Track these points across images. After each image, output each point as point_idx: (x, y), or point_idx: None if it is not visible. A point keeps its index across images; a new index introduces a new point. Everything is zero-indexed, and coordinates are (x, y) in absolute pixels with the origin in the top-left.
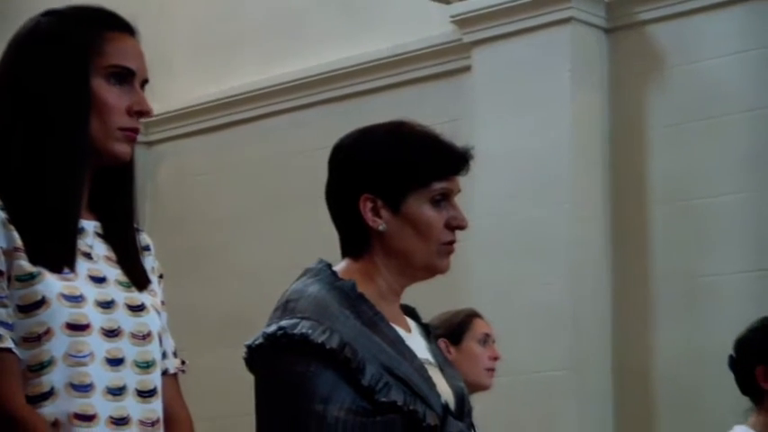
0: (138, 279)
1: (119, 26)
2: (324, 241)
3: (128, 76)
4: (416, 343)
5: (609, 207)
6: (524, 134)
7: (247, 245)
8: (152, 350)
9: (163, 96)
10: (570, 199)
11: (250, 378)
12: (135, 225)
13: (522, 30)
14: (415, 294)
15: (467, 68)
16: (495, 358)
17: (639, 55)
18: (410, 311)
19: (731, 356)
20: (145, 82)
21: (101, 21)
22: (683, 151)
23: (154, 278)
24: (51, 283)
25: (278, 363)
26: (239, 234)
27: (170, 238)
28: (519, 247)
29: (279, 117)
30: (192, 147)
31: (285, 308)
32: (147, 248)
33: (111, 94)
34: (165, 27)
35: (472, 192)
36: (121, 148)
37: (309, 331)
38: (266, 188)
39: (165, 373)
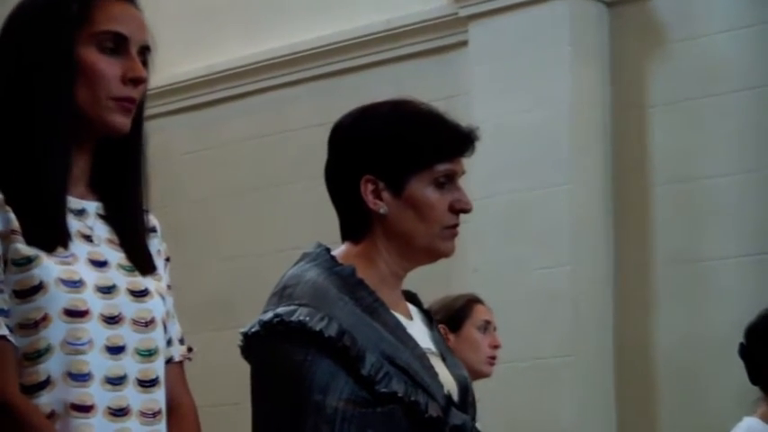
0: (142, 263)
1: None
2: (312, 223)
3: (122, 43)
4: (418, 330)
5: (609, 187)
6: (522, 112)
7: (233, 226)
8: (155, 338)
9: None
10: (570, 179)
11: (236, 365)
12: (143, 206)
13: (520, 3)
14: (408, 279)
15: (463, 43)
16: (496, 346)
17: (641, 29)
18: (411, 297)
19: (742, 344)
20: (145, 49)
21: None
22: (686, 129)
23: (160, 261)
24: (49, 268)
25: (274, 351)
26: (225, 215)
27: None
28: (517, 229)
29: (267, 94)
30: (176, 124)
31: (282, 294)
32: (153, 230)
33: (102, 62)
34: (149, 1)
35: (468, 171)
36: (116, 119)
37: (307, 318)
38: (253, 168)
39: (170, 360)
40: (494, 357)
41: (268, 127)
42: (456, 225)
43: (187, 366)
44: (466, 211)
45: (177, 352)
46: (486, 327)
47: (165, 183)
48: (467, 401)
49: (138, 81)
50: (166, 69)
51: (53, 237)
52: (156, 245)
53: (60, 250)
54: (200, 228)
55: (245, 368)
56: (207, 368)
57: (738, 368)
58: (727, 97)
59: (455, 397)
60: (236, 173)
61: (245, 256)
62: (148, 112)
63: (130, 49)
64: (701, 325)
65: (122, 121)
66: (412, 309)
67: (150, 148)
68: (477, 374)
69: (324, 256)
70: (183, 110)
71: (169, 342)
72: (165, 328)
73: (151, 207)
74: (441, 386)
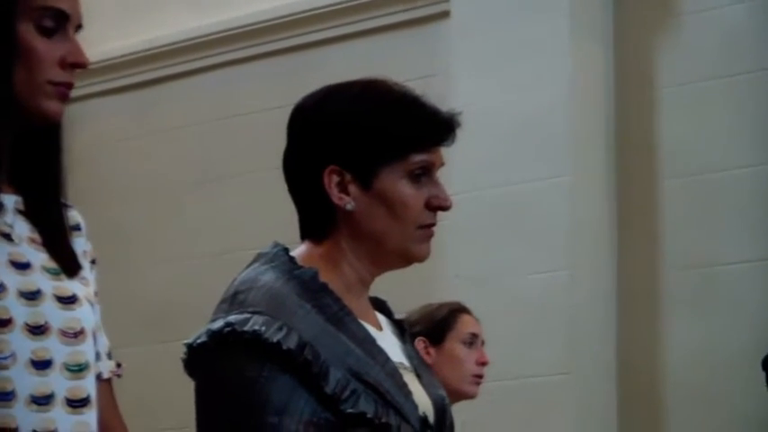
0: (68, 264)
1: None
2: (266, 221)
3: (60, 21)
4: (389, 343)
5: (612, 180)
6: (512, 93)
7: (174, 224)
8: (85, 351)
9: None
10: (567, 171)
11: (184, 383)
12: (63, 200)
13: None
14: (380, 286)
15: (444, 14)
16: (484, 363)
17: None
18: (380, 305)
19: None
20: (78, 27)
21: None
22: (699, 114)
23: (86, 263)
24: None
25: (224, 366)
26: (164, 211)
27: (85, 214)
28: (506, 228)
29: (215, 72)
30: (110, 107)
31: (233, 300)
32: (77, 228)
33: (42, 43)
34: None
35: (450, 161)
36: (52, 106)
37: (262, 328)
38: (199, 157)
39: (98, 377)
40: (480, 376)
41: (216, 110)
42: (433, 224)
43: (124, 385)
44: (444, 208)
45: (106, 368)
46: (473, 341)
47: (96, 173)
48: (444, 425)
49: (81, 67)
50: (100, 44)
51: None
52: (81, 244)
53: None
54: (136, 226)
55: (191, 386)
56: (147, 387)
57: (758, 386)
58: (746, 77)
59: (431, 419)
60: (179, 163)
61: (189, 258)
62: (78, 92)
63: (69, 30)
64: (715, 338)
65: (59, 109)
66: (381, 318)
67: (80, 133)
68: (460, 395)
69: (281, 258)
70: (118, 90)
71: (96, 357)
72: (94, 340)
73: (77, 201)
74: (415, 407)
